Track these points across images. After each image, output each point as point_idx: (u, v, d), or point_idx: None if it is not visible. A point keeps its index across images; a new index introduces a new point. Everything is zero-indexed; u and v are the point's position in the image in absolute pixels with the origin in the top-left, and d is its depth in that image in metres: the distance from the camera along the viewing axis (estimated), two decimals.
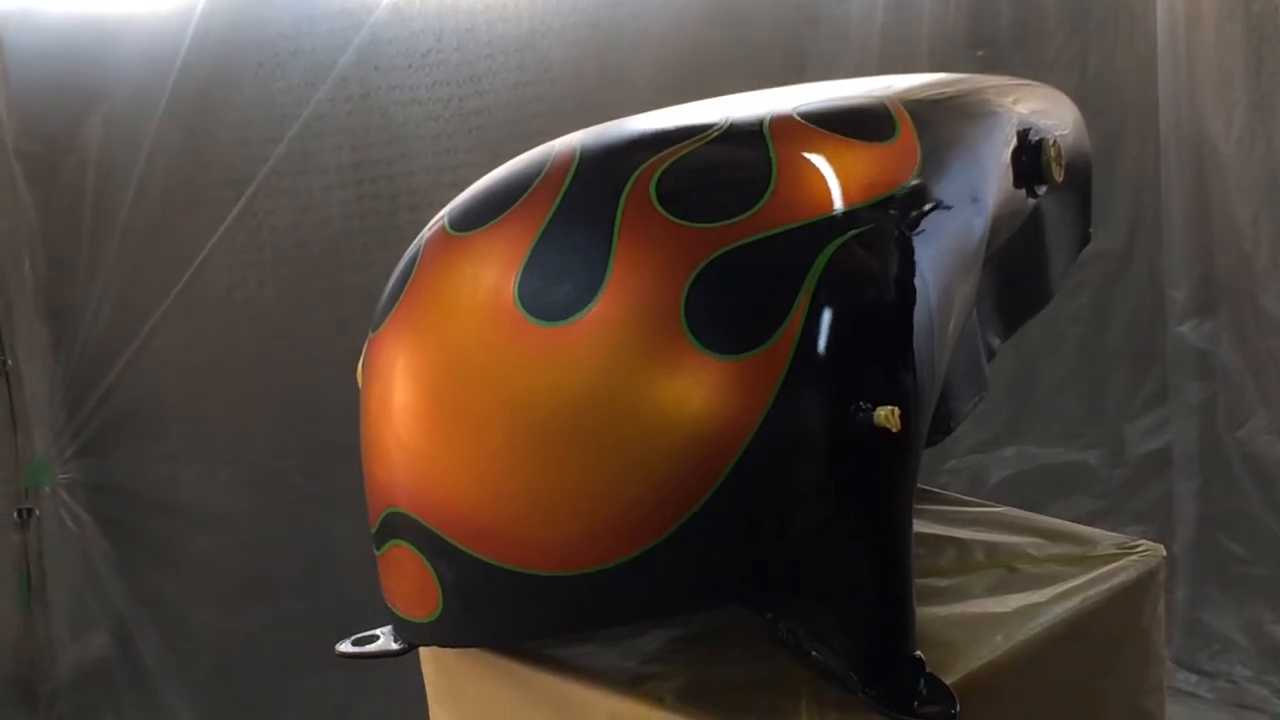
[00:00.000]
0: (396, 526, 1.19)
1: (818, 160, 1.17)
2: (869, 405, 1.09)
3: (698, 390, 1.08)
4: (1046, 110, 1.43)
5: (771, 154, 1.16)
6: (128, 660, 2.55)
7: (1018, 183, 1.33)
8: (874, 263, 1.14)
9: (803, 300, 1.09)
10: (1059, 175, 1.33)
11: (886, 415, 1.08)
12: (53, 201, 2.43)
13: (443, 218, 1.23)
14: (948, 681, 1.14)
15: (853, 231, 1.13)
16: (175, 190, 2.48)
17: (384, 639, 1.30)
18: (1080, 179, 1.48)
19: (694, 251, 1.11)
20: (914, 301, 1.15)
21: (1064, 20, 2.92)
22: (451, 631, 1.22)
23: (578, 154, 1.19)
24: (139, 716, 2.56)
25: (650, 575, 1.11)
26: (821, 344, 1.09)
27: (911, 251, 1.16)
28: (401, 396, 1.18)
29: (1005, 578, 1.29)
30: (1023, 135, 1.33)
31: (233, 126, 2.53)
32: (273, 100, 2.54)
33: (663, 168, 1.15)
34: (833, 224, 1.13)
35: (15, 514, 2.42)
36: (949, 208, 1.22)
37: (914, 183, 1.19)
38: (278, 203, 2.54)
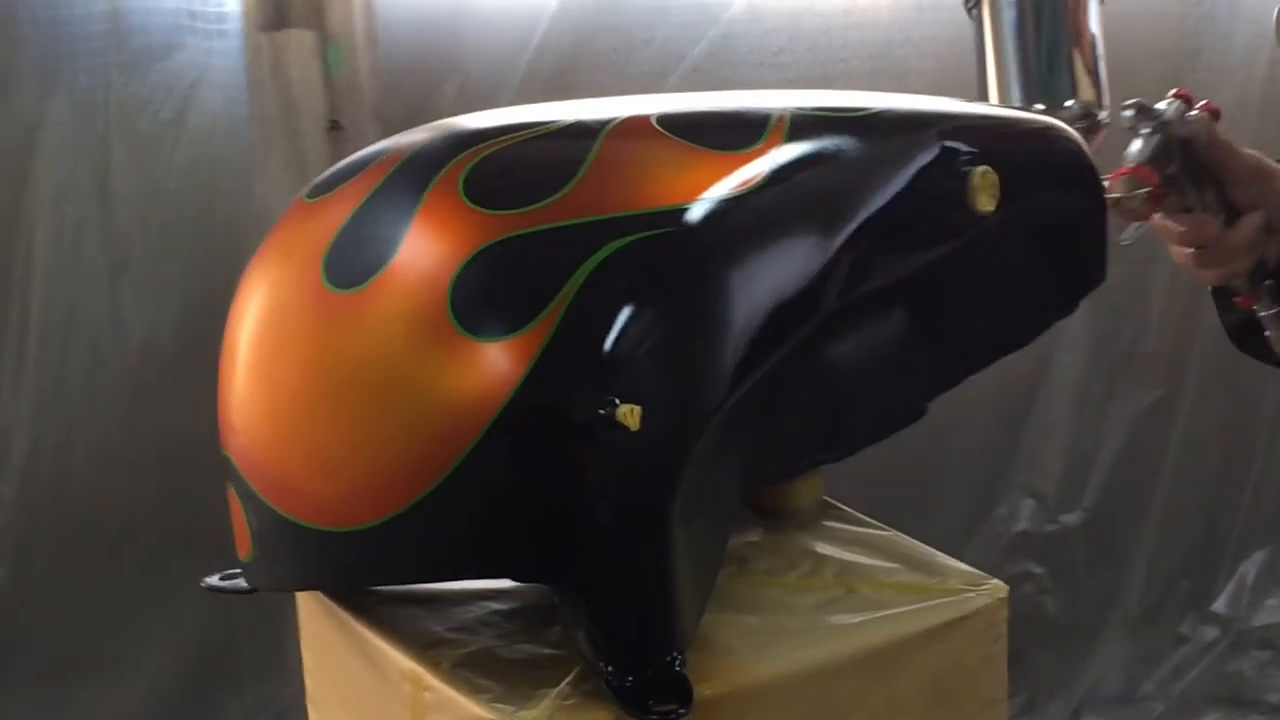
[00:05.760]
0: (226, 468, 1.27)
1: (637, 162, 1.20)
2: (616, 402, 1.11)
3: (449, 366, 1.13)
4: (1016, 147, 1.39)
5: (592, 153, 1.19)
6: None
7: (940, 208, 1.30)
8: (655, 267, 1.15)
9: (566, 294, 1.12)
10: (988, 205, 1.30)
11: (625, 413, 1.10)
12: None
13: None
14: (706, 689, 1.15)
15: (644, 234, 1.15)
16: None
17: None
18: (1073, 221, 1.43)
19: (476, 235, 1.15)
20: (694, 310, 1.16)
21: None
22: (258, 576, 1.30)
23: (422, 140, 1.24)
24: None
25: (407, 538, 1.16)
26: (577, 338, 1.12)
27: (710, 261, 1.17)
28: (233, 342, 1.26)
29: (838, 598, 1.27)
30: (948, 161, 1.30)
31: None
32: (625, 87, 2.60)
33: (480, 156, 1.19)
34: (623, 224, 1.15)
35: None
36: (787, 223, 1.22)
37: (746, 195, 1.20)
38: None
